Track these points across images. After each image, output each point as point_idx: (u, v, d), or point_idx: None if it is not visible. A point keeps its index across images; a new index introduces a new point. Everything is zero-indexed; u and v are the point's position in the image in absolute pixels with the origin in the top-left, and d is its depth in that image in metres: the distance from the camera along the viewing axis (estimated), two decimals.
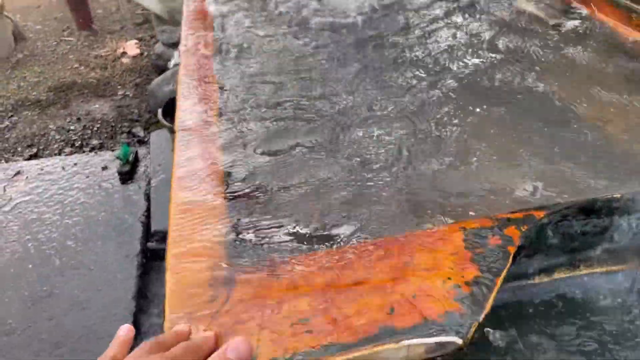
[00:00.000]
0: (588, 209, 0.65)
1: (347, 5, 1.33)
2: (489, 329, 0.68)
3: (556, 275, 0.72)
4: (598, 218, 0.66)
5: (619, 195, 0.65)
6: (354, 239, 0.62)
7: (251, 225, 0.66)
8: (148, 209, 2.15)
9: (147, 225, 2.07)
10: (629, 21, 1.05)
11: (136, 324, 1.66)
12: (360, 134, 0.82)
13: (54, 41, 3.79)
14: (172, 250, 0.62)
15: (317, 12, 1.31)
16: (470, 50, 1.04)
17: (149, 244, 2.03)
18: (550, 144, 0.76)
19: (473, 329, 0.48)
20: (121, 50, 3.45)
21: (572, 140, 0.77)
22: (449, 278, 0.54)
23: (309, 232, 0.64)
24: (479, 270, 0.55)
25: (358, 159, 0.76)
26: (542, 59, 0.98)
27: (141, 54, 3.39)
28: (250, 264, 0.59)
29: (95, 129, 2.66)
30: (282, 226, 0.65)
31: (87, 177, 2.37)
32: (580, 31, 1.07)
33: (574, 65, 0.96)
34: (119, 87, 3.00)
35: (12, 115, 2.82)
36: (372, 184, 0.71)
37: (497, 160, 0.74)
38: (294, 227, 0.65)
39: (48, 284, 1.83)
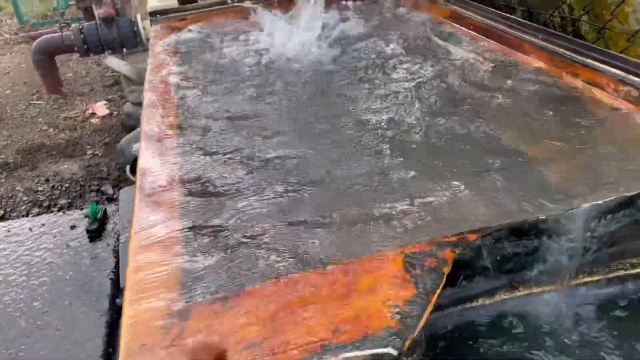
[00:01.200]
0: (518, 231, 0.71)
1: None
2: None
3: (497, 297, 0.77)
4: (528, 239, 0.72)
5: (544, 217, 0.71)
6: (304, 267, 0.66)
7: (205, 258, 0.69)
8: (117, 266, 2.14)
9: (116, 282, 2.06)
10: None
11: None
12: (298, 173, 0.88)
13: (23, 105, 3.83)
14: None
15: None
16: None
17: (118, 301, 2.01)
18: (483, 173, 0.82)
19: (408, 342, 0.52)
20: (90, 111, 3.50)
21: (502, 170, 0.83)
22: (389, 299, 0.59)
23: (263, 260, 0.68)
24: (416, 290, 0.59)
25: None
26: (484, 107, 1.06)
27: (110, 114, 3.45)
28: (204, 297, 0.62)
29: (63, 188, 2.67)
30: (233, 261, 0.69)
31: (55, 237, 2.35)
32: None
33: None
34: (88, 146, 3.03)
35: None
36: (319, 218, 0.76)
37: (433, 189, 0.79)
38: (247, 259, 0.69)
39: (14, 347, 1.79)
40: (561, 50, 1.15)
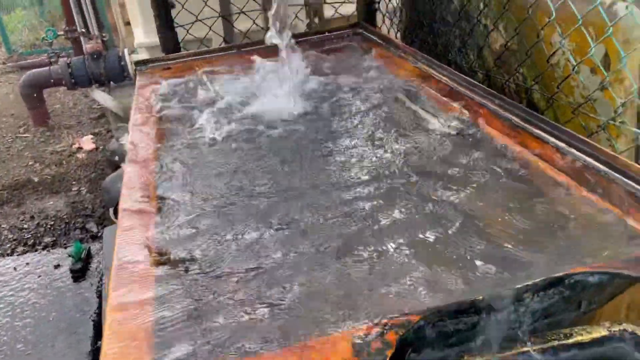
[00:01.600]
0: (457, 312, 0.79)
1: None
2: None
3: None
4: (467, 317, 0.80)
5: (481, 298, 0.79)
6: (259, 349, 0.73)
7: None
8: (100, 307, 2.19)
9: (98, 323, 2.10)
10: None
11: None
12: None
13: (9, 138, 3.88)
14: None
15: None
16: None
17: (100, 343, 2.04)
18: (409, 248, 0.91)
19: None
20: (77, 145, 3.56)
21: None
22: None
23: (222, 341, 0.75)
24: None
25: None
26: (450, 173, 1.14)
27: (96, 148, 3.51)
28: None
29: (48, 226, 2.72)
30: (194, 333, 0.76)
31: (39, 276, 2.40)
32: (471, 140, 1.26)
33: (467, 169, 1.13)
34: (74, 182, 3.09)
35: None
36: (270, 293, 0.83)
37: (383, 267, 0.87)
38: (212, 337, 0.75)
39: None
40: (512, 116, 1.25)
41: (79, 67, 3.92)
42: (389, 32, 2.33)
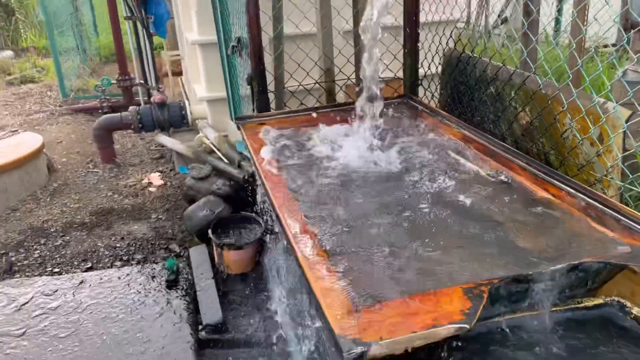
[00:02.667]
0: (516, 280, 1.36)
1: None
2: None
3: (506, 316, 1.40)
4: (522, 284, 1.37)
5: (531, 273, 1.36)
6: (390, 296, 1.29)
7: None
8: (195, 306, 2.72)
9: (194, 319, 2.64)
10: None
11: None
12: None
13: (82, 172, 4.45)
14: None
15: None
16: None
17: (201, 335, 2.57)
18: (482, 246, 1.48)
19: (470, 325, 1.15)
20: (147, 180, 4.14)
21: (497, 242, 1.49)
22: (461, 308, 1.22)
23: None
24: (471, 304, 1.23)
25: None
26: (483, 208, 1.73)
27: (165, 184, 4.09)
28: None
29: (137, 245, 3.26)
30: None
31: (140, 284, 2.94)
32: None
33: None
34: (152, 211, 3.64)
35: (63, 235, 3.38)
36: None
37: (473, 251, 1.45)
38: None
39: None
40: (536, 171, 1.85)
41: (146, 114, 4.57)
42: (429, 103, 2.97)
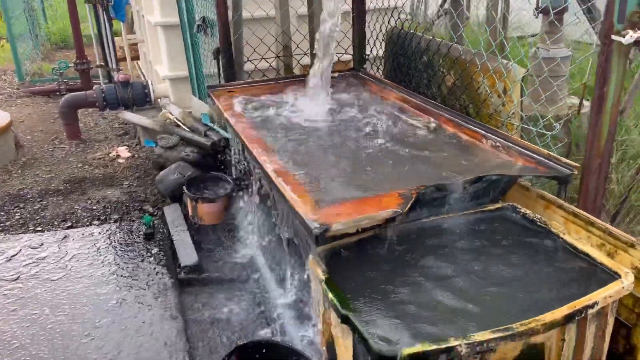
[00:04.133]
0: (437, 188, 1.82)
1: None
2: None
3: (430, 218, 1.86)
4: (441, 191, 1.83)
5: (449, 182, 1.83)
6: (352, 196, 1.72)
7: None
8: (173, 255, 3.07)
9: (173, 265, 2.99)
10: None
11: None
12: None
13: (49, 148, 4.66)
14: None
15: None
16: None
17: (180, 275, 2.93)
18: (413, 168, 1.94)
19: (407, 207, 1.60)
20: (115, 153, 4.41)
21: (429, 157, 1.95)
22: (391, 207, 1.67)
23: None
24: (403, 200, 1.68)
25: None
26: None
27: (132, 156, 4.37)
28: None
29: (113, 207, 3.55)
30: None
31: (121, 237, 3.26)
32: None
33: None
34: (124, 179, 3.94)
35: (40, 200, 3.63)
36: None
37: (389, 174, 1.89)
38: None
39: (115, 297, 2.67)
40: (458, 120, 2.33)
41: (110, 93, 4.81)
42: (375, 74, 3.43)
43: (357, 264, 1.68)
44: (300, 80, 3.09)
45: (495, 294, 1.56)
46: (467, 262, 1.69)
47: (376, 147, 2.18)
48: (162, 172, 3.66)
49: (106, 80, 5.75)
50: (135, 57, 7.09)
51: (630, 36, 1.62)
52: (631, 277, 1.51)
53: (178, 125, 4.13)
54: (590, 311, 1.44)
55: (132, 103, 5.01)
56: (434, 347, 1.30)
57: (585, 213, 1.83)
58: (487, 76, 2.30)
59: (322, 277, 1.60)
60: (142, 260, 2.99)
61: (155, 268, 2.93)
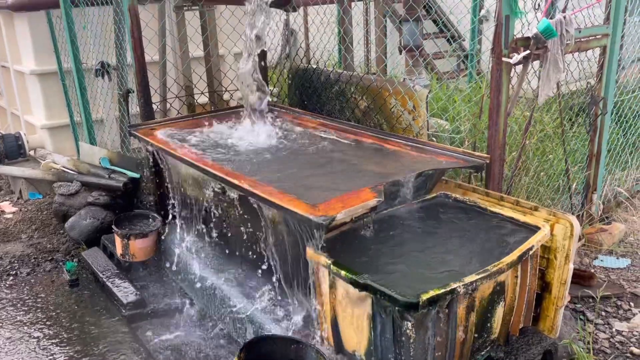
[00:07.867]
0: (394, 184, 2.24)
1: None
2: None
3: (392, 208, 2.27)
4: (396, 186, 2.26)
5: (401, 179, 2.26)
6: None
7: None
8: (108, 297, 3.01)
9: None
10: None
11: None
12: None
13: None
14: None
15: None
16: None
17: (125, 313, 2.90)
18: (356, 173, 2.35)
19: (382, 197, 1.98)
20: None
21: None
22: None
23: None
24: (376, 193, 2.06)
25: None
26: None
27: (20, 210, 4.06)
28: None
29: (20, 262, 3.31)
30: None
31: (43, 289, 3.09)
32: None
33: None
34: (21, 233, 3.66)
35: None
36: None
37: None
38: None
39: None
40: (377, 134, 2.81)
41: None
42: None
43: (347, 250, 2.01)
44: (212, 115, 3.35)
45: (460, 252, 2.01)
46: (429, 235, 2.13)
47: (324, 160, 2.54)
48: (71, 219, 3.53)
49: None
50: None
51: (515, 58, 2.26)
52: (548, 228, 2.08)
53: (66, 173, 3.99)
54: (530, 253, 1.96)
55: (5, 156, 4.67)
56: (443, 290, 1.69)
57: (495, 192, 2.41)
58: (399, 98, 2.83)
59: (328, 261, 1.90)
60: (79, 306, 2.89)
61: (98, 311, 2.87)
